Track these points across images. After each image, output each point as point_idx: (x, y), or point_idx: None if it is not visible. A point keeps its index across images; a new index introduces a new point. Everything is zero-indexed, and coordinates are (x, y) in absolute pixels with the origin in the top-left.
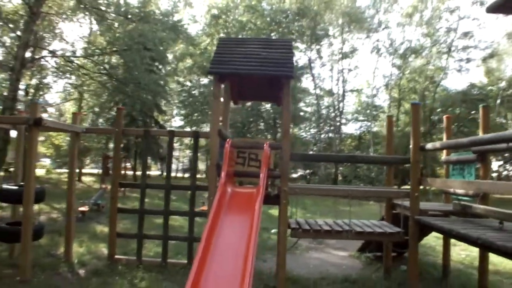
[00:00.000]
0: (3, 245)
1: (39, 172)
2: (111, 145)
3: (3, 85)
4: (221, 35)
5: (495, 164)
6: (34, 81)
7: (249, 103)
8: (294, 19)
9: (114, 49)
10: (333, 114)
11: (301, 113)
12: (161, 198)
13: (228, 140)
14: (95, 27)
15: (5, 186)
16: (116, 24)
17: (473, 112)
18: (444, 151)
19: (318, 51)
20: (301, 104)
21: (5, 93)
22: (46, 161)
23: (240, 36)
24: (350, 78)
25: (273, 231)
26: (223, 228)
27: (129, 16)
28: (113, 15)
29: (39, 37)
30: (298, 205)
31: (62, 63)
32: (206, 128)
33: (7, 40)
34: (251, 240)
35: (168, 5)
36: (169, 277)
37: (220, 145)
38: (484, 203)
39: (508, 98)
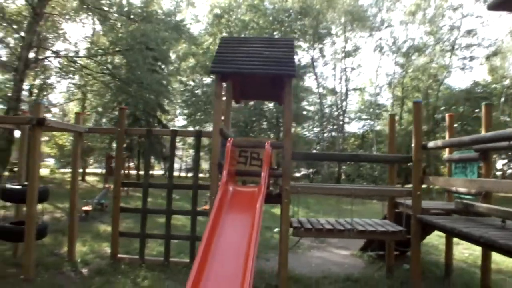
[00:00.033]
0: (7, 244)
1: (43, 172)
2: (114, 145)
3: (7, 85)
4: (224, 34)
5: (499, 163)
6: (38, 82)
7: (252, 102)
8: (296, 18)
9: (117, 49)
10: (336, 113)
11: (304, 112)
12: (164, 197)
13: (229, 139)
14: (98, 27)
15: (8, 185)
16: (118, 24)
17: (476, 110)
18: (447, 150)
19: (321, 50)
20: (304, 103)
21: (9, 94)
22: (50, 161)
23: (242, 35)
24: (353, 77)
25: (275, 230)
26: (224, 227)
27: (132, 16)
28: (116, 15)
29: (42, 37)
30: (301, 204)
31: (66, 63)
32: (209, 127)
33: (11, 41)
34: (252, 239)
35: (171, 4)
36: (172, 276)
37: (222, 144)
38: (486, 201)
39: None
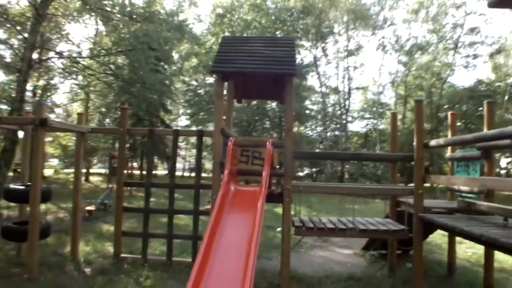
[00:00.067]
0: (11, 244)
1: (47, 172)
2: (118, 145)
3: (11, 86)
4: (226, 34)
5: (503, 161)
6: (41, 83)
7: (254, 102)
8: (298, 17)
9: (120, 49)
10: (339, 112)
11: (307, 111)
12: (167, 197)
13: (231, 138)
14: (101, 27)
15: (12, 186)
16: (121, 25)
17: (480, 108)
18: (449, 148)
19: (323, 49)
20: (307, 102)
21: (13, 95)
22: (54, 161)
23: (245, 35)
24: (356, 76)
25: (278, 229)
26: (225, 227)
27: (134, 17)
28: (119, 15)
29: (46, 38)
30: (304, 203)
31: (68, 64)
32: (212, 127)
33: (15, 42)
34: (253, 238)
35: (173, 4)
36: (174, 276)
37: (224, 144)
38: (489, 200)
39: None
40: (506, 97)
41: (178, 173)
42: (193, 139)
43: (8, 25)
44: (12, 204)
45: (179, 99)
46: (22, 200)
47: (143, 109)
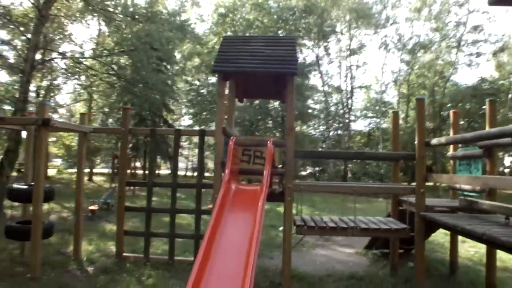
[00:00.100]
0: (15, 243)
1: (51, 172)
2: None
3: (15, 87)
4: (228, 33)
5: (507, 160)
6: (45, 83)
7: (257, 101)
8: (301, 16)
9: (122, 49)
10: (341, 111)
11: (310, 111)
12: (170, 196)
13: (232, 138)
14: (103, 28)
15: (15, 185)
16: (123, 25)
17: (483, 107)
18: (451, 147)
19: (326, 48)
20: (310, 102)
21: (16, 95)
22: (58, 161)
23: (247, 34)
24: (358, 75)
25: (280, 228)
26: (226, 226)
27: (136, 17)
28: (121, 16)
29: (48, 39)
30: (307, 202)
31: (71, 64)
32: (214, 126)
33: (18, 43)
34: (253, 237)
35: (176, 4)
36: (176, 275)
37: (225, 143)
38: (491, 198)
39: None
40: (510, 95)
41: (181, 173)
42: (196, 139)
43: (12, 26)
44: (16, 203)
45: (182, 98)
46: (25, 199)
47: (146, 109)
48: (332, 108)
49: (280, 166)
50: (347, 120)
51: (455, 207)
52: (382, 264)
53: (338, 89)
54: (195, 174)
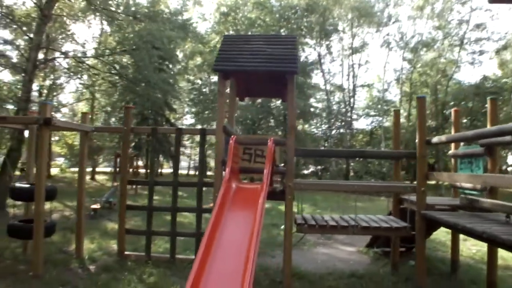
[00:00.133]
0: (17, 241)
1: (54, 171)
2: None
3: (18, 87)
4: (231, 32)
5: (510, 158)
6: (47, 82)
7: (259, 100)
8: (303, 15)
9: (124, 49)
10: (344, 110)
11: (312, 109)
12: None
13: (232, 136)
14: (105, 27)
15: (18, 184)
16: (125, 24)
17: (486, 105)
18: (452, 145)
19: (328, 47)
20: (312, 100)
21: (19, 95)
22: (61, 160)
23: (249, 33)
24: (360, 73)
25: (282, 227)
26: (226, 224)
27: (138, 16)
28: (123, 15)
29: (51, 39)
30: (309, 201)
31: (73, 63)
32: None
33: (21, 43)
34: (253, 235)
35: (178, 3)
36: (177, 273)
37: (226, 142)
38: (492, 197)
39: None
40: None
41: (183, 172)
42: (198, 138)
43: (14, 26)
44: (18, 202)
45: (184, 97)
46: (27, 198)
47: (148, 108)
48: (334, 107)
49: (282, 164)
50: (349, 119)
51: (456, 206)
52: (383, 263)
53: (340, 88)
54: (197, 173)
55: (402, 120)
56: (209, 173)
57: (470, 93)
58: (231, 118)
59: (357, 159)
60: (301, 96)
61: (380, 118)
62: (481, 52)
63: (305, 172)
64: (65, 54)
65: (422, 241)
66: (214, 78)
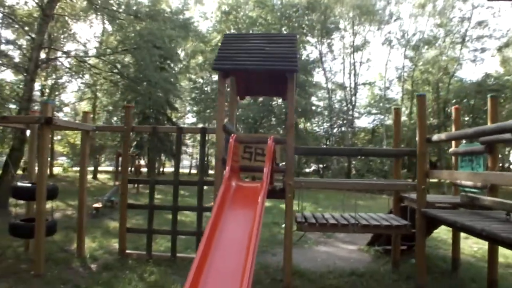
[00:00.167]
0: (20, 240)
1: (56, 170)
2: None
3: (20, 86)
4: (232, 31)
5: None
6: (49, 82)
7: (260, 99)
8: (304, 13)
9: (125, 48)
10: (345, 108)
11: (313, 108)
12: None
13: (232, 135)
14: (107, 26)
15: (19, 184)
16: (126, 24)
17: None
18: (453, 143)
19: (329, 45)
20: (313, 99)
21: (20, 94)
22: (63, 160)
23: (250, 32)
24: (362, 71)
25: (283, 225)
26: (226, 223)
27: (139, 15)
28: (124, 14)
29: (53, 38)
30: (311, 199)
31: (75, 63)
32: None
33: (23, 43)
34: (253, 233)
35: (179, 2)
36: (178, 271)
37: (226, 140)
38: (492, 194)
39: None
40: None
41: (185, 171)
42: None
43: (16, 26)
44: (21, 201)
45: (186, 96)
46: (28, 197)
47: (149, 107)
48: (336, 105)
49: (283, 163)
50: (351, 117)
51: (457, 203)
52: (384, 261)
53: (342, 86)
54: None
55: (403, 118)
56: (211, 171)
57: (472, 90)
58: (231, 117)
59: (359, 157)
60: (302, 95)
61: (382, 116)
62: (483, 50)
63: (307, 170)
64: (67, 54)
65: (422, 239)
66: (216, 77)
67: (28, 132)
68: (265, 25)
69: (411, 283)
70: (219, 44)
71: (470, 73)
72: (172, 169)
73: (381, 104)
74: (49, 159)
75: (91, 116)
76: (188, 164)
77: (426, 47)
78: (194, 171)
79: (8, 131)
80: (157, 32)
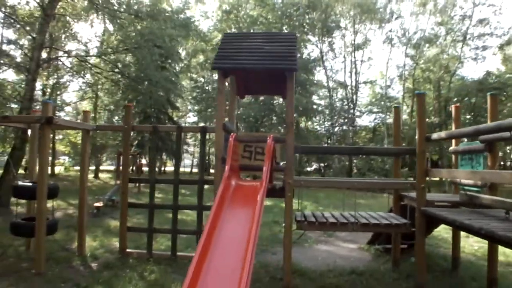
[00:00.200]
0: (21, 239)
1: (58, 169)
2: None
3: (21, 86)
4: (233, 30)
5: None
6: (51, 81)
7: (261, 97)
8: (305, 12)
9: (126, 47)
10: (346, 107)
11: (314, 106)
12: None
13: (232, 134)
14: (108, 26)
15: (20, 183)
16: (127, 23)
17: None
18: (453, 142)
19: (330, 44)
20: (314, 97)
21: (22, 94)
22: (65, 159)
23: (251, 31)
24: (363, 70)
25: (284, 224)
26: (225, 221)
27: (140, 15)
28: (125, 14)
29: (54, 38)
30: (311, 198)
31: (76, 62)
32: None
33: (25, 42)
34: (252, 232)
35: (180, 2)
36: (178, 270)
37: (226, 139)
38: (492, 193)
39: None
40: None
41: (186, 169)
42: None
43: (18, 26)
44: (22, 200)
45: (187, 96)
46: (29, 196)
47: (150, 106)
48: (337, 104)
49: (283, 162)
50: (352, 116)
51: (456, 202)
52: (384, 260)
53: (343, 85)
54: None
55: (405, 116)
56: (212, 170)
57: (473, 89)
58: (231, 116)
59: (360, 156)
60: (303, 93)
61: (383, 115)
62: (484, 48)
63: (308, 169)
64: (68, 53)
65: (422, 238)
66: (217, 76)
67: (30, 132)
68: (266, 24)
69: (411, 282)
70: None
71: (471, 71)
72: (173, 168)
73: (382, 103)
74: (50, 158)
75: (92, 115)
76: (189, 163)
77: (427, 45)
78: (195, 170)
79: (10, 130)
80: (157, 32)
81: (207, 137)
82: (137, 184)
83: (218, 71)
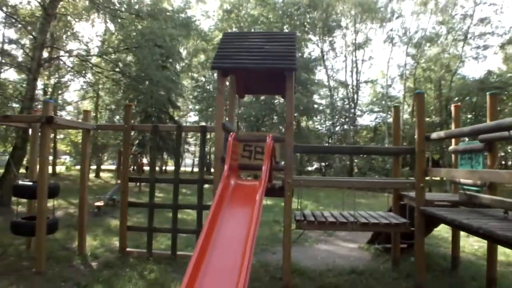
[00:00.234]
0: (21, 238)
1: (59, 169)
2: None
3: (23, 85)
4: (234, 29)
5: None
6: (52, 81)
7: (262, 97)
8: (305, 11)
9: (126, 47)
10: (347, 106)
11: (315, 106)
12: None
13: (231, 133)
14: (109, 26)
15: (21, 182)
16: (127, 23)
17: None
18: (453, 141)
19: (331, 43)
20: (315, 97)
21: (23, 93)
22: (66, 158)
23: (252, 30)
24: (364, 69)
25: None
26: (224, 221)
27: (140, 14)
28: (126, 13)
29: (55, 37)
30: (312, 198)
31: (77, 62)
32: None
33: (26, 42)
34: (250, 231)
35: (181, 1)
36: (177, 269)
37: (226, 139)
38: (491, 192)
39: None
40: None
41: (187, 169)
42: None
43: (19, 25)
44: (23, 200)
45: (188, 95)
46: (30, 196)
47: (151, 106)
48: (338, 103)
49: (283, 162)
50: (353, 115)
51: (456, 201)
52: (384, 259)
53: (344, 84)
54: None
55: (406, 116)
56: (213, 170)
57: (474, 88)
58: (231, 115)
59: (361, 155)
60: (304, 93)
61: (384, 114)
62: (486, 47)
63: (309, 168)
64: (69, 53)
65: (421, 237)
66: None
67: (31, 131)
68: (266, 24)
69: (411, 281)
70: None
71: (472, 70)
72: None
73: (383, 102)
74: (51, 157)
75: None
76: (190, 162)
77: (428, 44)
78: (196, 169)
79: (11, 130)
80: (158, 31)
81: (208, 136)
82: (138, 184)
83: (217, 70)
